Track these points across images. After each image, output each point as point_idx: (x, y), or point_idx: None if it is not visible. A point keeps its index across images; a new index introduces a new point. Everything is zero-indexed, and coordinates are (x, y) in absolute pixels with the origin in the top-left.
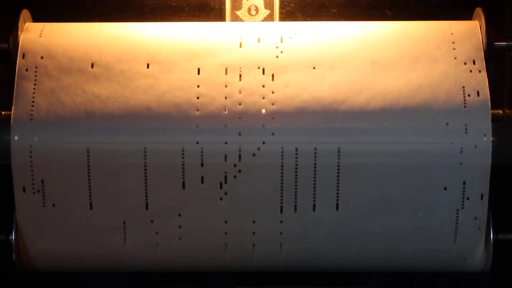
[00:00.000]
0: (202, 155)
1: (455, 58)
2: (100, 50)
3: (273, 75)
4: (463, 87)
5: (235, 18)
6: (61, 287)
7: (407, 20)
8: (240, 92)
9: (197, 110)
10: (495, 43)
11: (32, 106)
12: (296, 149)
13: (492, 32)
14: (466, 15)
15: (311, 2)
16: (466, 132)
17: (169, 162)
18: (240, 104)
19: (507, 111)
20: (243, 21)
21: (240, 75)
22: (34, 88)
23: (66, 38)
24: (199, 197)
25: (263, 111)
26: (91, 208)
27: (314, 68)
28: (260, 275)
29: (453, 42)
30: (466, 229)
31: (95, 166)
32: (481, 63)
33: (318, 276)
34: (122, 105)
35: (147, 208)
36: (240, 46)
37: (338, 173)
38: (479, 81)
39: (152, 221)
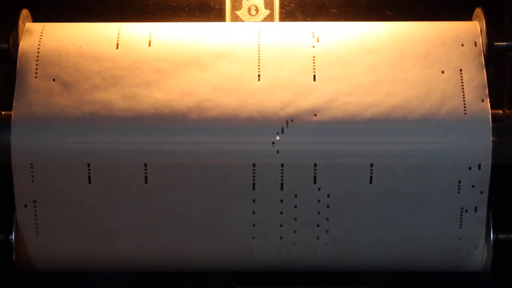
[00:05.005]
0: None
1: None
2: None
3: None
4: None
5: (235, 18)
6: (61, 287)
7: (407, 21)
8: None
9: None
10: (495, 43)
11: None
12: None
13: (492, 32)
14: (466, 15)
15: (311, 2)
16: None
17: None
18: None
19: (507, 111)
20: (243, 21)
21: None
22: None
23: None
24: None
25: None
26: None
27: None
28: (260, 275)
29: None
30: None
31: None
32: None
33: (318, 276)
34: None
35: None
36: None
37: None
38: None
39: None
